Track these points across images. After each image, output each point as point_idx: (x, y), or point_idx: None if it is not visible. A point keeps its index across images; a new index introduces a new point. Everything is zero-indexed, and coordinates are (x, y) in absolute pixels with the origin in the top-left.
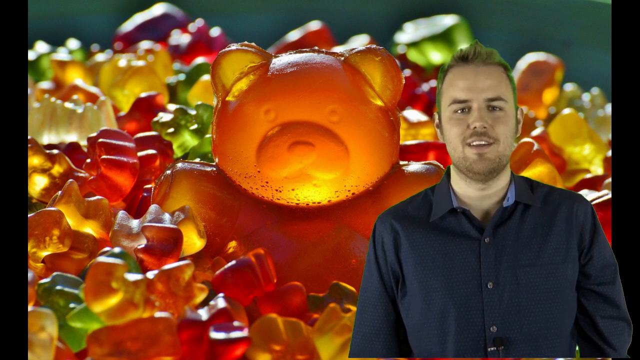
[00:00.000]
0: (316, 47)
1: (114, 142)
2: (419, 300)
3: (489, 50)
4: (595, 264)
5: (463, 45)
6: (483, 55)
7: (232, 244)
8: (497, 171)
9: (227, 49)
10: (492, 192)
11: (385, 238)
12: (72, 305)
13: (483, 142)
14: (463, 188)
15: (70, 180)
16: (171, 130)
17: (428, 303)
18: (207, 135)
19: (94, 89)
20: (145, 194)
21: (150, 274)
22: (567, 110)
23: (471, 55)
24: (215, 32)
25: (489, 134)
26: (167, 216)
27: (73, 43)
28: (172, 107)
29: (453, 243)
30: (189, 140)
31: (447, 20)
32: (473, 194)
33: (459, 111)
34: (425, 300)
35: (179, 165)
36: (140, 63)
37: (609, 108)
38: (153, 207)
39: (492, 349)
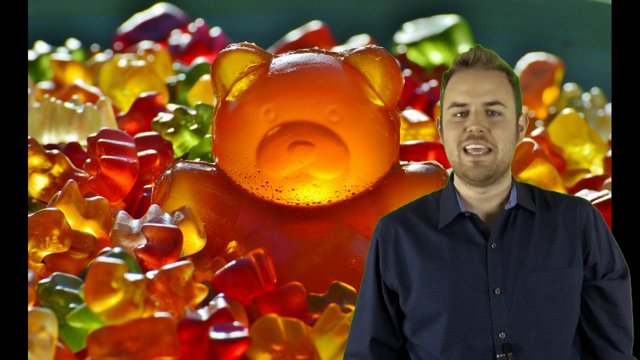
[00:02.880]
0: (316, 47)
1: (114, 142)
2: (425, 305)
3: (489, 55)
4: (601, 268)
5: (463, 45)
6: (483, 60)
7: (232, 244)
8: (494, 177)
9: (227, 49)
10: (492, 195)
11: (387, 243)
12: (72, 305)
13: (480, 146)
14: (465, 191)
15: (70, 180)
16: (171, 130)
17: (434, 309)
18: (207, 135)
19: (94, 89)
20: (145, 194)
21: (150, 274)
22: (567, 110)
23: (471, 60)
24: (215, 32)
25: (486, 138)
26: (167, 216)
27: (73, 43)
28: (172, 107)
29: (460, 248)
30: (189, 140)
31: (447, 20)
32: (474, 197)
33: (458, 115)
34: (431, 305)
35: (179, 165)
36: (140, 63)
37: (609, 108)
38: (153, 207)
39: (501, 355)
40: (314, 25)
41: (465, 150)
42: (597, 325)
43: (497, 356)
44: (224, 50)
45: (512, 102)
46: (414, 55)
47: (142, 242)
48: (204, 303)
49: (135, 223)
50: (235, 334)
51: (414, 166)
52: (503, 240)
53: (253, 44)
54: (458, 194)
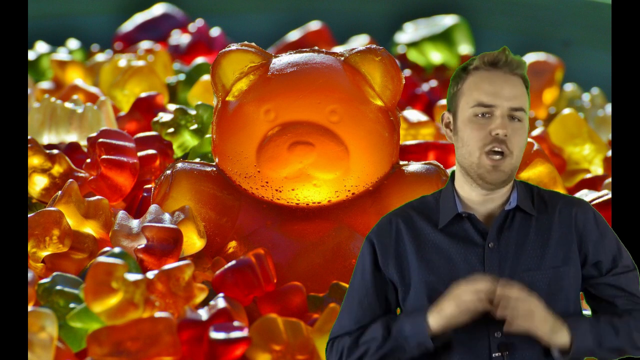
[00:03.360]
0: (316, 47)
1: (114, 142)
2: (422, 304)
3: (518, 61)
4: (605, 264)
5: (463, 45)
6: (513, 65)
7: (232, 244)
8: (507, 182)
9: (227, 49)
10: (495, 197)
11: (388, 238)
12: (72, 305)
13: (500, 150)
14: (467, 191)
15: (70, 180)
16: (171, 130)
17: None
18: (207, 135)
19: (94, 89)
20: (145, 194)
21: (150, 274)
22: (567, 110)
23: (502, 62)
24: (215, 32)
25: (507, 144)
26: (167, 216)
27: (73, 43)
28: (172, 107)
29: (458, 248)
30: (189, 140)
31: (447, 20)
32: (476, 198)
33: (480, 115)
34: (428, 304)
35: (179, 165)
36: (140, 63)
37: (609, 108)
38: (153, 207)
39: (497, 354)
40: (314, 25)
41: (487, 153)
42: (623, 308)
43: (493, 355)
44: (224, 50)
45: (527, 112)
46: (414, 55)
47: (142, 242)
48: (204, 303)
49: (135, 223)
50: (235, 334)
51: (414, 166)
52: (500, 240)
53: (253, 44)
54: (457, 195)
